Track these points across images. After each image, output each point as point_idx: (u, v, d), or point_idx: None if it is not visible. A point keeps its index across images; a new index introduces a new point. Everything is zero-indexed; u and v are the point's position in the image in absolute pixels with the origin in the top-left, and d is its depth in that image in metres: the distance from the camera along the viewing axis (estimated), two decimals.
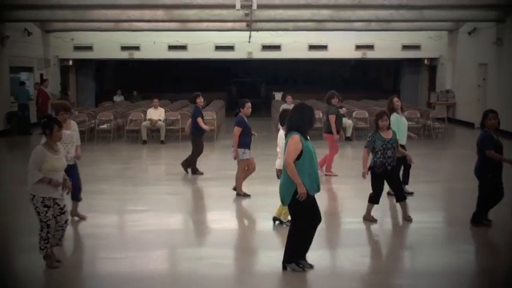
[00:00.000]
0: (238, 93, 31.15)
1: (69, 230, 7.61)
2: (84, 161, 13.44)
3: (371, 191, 7.78)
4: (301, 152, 5.64)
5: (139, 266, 6.22)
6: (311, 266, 5.93)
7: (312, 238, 5.92)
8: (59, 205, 6.07)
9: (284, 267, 5.91)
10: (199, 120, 11.41)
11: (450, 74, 22.41)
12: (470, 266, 6.41)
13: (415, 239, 7.36)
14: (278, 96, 24.54)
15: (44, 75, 21.11)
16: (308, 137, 5.81)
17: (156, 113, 16.43)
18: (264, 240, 7.31)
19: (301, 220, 5.84)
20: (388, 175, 7.71)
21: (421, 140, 16.56)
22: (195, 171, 11.38)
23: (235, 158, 9.30)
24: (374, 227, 7.67)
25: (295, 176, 5.62)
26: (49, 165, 5.94)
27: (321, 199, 9.16)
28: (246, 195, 9.31)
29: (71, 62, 24.16)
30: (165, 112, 16.94)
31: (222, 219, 8.43)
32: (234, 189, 9.44)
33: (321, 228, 7.04)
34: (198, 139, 11.49)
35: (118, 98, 24.08)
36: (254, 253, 6.84)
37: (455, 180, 11.28)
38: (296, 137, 5.68)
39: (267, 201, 8.98)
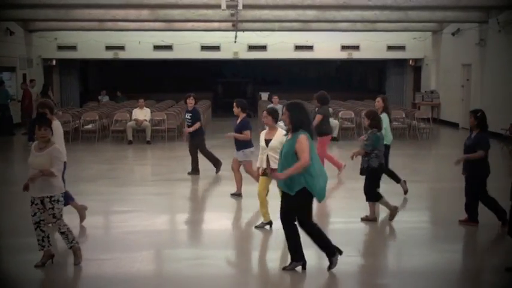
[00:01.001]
0: (224, 94, 31.13)
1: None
2: (68, 162, 13.37)
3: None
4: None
5: (125, 267, 6.17)
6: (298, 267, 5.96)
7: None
8: (43, 203, 6.08)
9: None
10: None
11: (434, 75, 22.59)
12: (456, 265, 6.44)
13: (401, 238, 7.38)
14: (265, 96, 24.55)
15: (27, 75, 20.89)
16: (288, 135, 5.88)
17: (142, 113, 16.35)
18: (251, 240, 7.29)
19: None
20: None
21: (407, 141, 16.68)
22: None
23: None
24: (360, 226, 7.69)
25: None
26: (29, 161, 6.08)
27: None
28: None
29: (54, 62, 23.92)
30: (151, 112, 16.87)
31: (209, 220, 8.41)
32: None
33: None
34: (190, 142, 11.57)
35: (103, 98, 23.92)
36: (241, 253, 6.81)
37: (440, 180, 11.36)
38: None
39: (254, 202, 8.94)
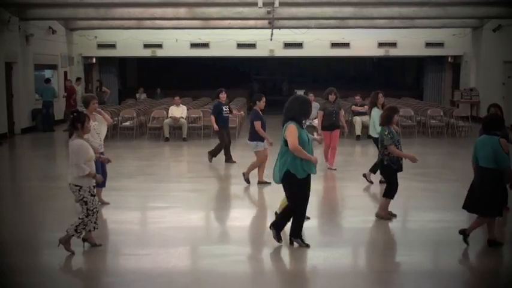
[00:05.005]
0: (259, 91, 31.19)
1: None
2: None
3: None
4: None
5: (161, 262, 6.26)
6: (307, 245, 6.51)
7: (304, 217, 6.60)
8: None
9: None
10: (212, 118, 12.37)
11: (474, 72, 22.12)
12: (499, 267, 6.33)
13: (434, 238, 7.25)
14: (300, 93, 24.47)
15: (68, 73, 21.41)
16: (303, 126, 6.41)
17: (178, 111, 16.53)
18: (286, 238, 7.30)
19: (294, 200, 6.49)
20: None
21: (445, 139, 16.42)
22: (228, 160, 12.44)
23: (271, 145, 9.89)
24: (376, 224, 7.62)
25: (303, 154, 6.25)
26: (90, 156, 6.37)
27: (325, 196, 9.18)
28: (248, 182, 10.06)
29: (94, 60, 24.41)
30: (187, 109, 17.03)
31: (244, 217, 8.44)
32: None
33: (322, 225, 7.28)
34: (221, 132, 12.37)
35: (141, 96, 24.28)
36: (277, 251, 6.82)
37: None
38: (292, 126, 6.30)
39: None
